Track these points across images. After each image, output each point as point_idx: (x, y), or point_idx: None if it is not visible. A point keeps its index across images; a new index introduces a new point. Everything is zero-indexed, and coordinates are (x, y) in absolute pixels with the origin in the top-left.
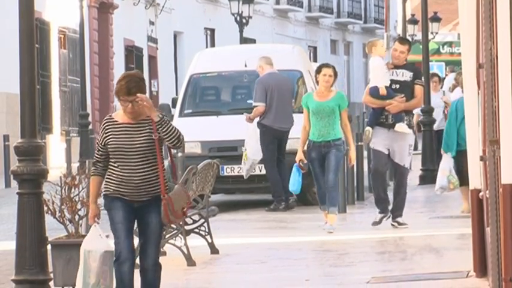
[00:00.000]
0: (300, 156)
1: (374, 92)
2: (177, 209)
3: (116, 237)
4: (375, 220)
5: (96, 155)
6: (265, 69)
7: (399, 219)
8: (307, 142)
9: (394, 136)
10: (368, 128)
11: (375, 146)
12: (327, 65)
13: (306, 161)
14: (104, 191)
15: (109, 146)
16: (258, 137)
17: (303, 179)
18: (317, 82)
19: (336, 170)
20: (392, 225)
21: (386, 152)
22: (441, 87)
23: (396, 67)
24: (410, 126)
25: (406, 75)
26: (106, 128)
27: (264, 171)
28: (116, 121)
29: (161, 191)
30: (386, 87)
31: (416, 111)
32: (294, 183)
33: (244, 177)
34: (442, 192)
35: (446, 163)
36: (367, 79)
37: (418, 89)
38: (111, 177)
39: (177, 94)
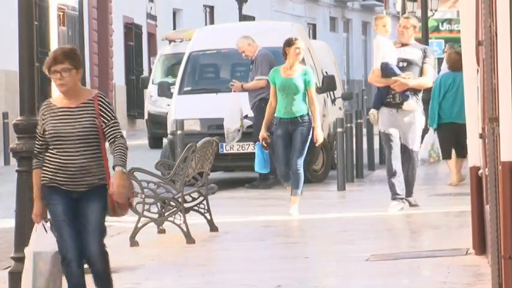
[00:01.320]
0: (263, 134)
1: (385, 69)
2: (124, 200)
3: (59, 235)
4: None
5: (36, 146)
6: (255, 46)
7: (410, 199)
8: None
9: (402, 117)
10: (372, 111)
11: (385, 129)
12: (297, 39)
13: (269, 140)
14: (41, 180)
15: (47, 133)
16: (236, 107)
17: (269, 157)
18: (285, 55)
19: (301, 151)
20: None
21: (398, 134)
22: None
23: (404, 45)
24: (418, 105)
25: (415, 54)
26: (44, 113)
27: None
28: (55, 105)
29: (107, 181)
30: (392, 65)
31: None
32: (260, 163)
33: (227, 146)
34: (423, 164)
35: (430, 137)
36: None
37: (428, 68)
38: (48, 165)
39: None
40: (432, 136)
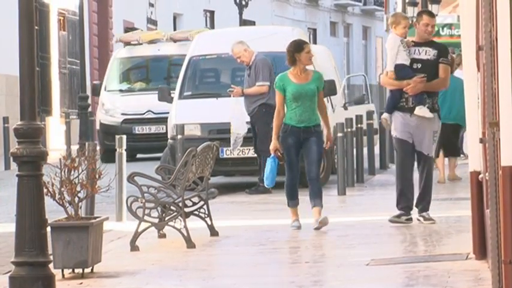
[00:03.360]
0: (275, 145)
1: (400, 71)
2: None
3: None
4: (394, 215)
5: None
6: (250, 51)
7: (425, 214)
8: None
9: (416, 122)
10: (385, 115)
11: (398, 134)
12: (306, 42)
13: (282, 150)
14: None
15: None
16: (242, 112)
17: (277, 171)
18: (293, 61)
19: (319, 161)
20: (418, 220)
21: (411, 141)
22: None
23: (418, 44)
24: (434, 109)
25: (429, 54)
26: None
27: None
28: None
29: None
30: (405, 65)
31: None
32: (269, 176)
33: (231, 151)
34: None
35: None
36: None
37: (443, 69)
38: None
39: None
40: None
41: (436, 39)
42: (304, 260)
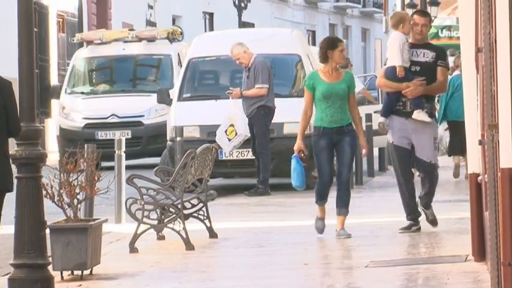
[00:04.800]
0: (300, 145)
1: (390, 74)
2: None
3: None
4: (403, 227)
5: None
6: (250, 53)
7: (428, 212)
8: (310, 129)
9: (414, 126)
10: (381, 120)
11: (394, 140)
12: (340, 40)
13: (306, 152)
14: None
15: None
16: (242, 113)
17: (305, 171)
18: (325, 58)
19: (351, 164)
20: (422, 211)
21: (409, 147)
22: None
23: (415, 46)
24: (431, 114)
25: (427, 56)
26: None
27: None
28: None
29: None
30: (405, 68)
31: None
32: (298, 177)
33: (227, 153)
34: None
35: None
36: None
37: (442, 71)
38: None
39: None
40: (440, 132)
41: (435, 42)
42: (304, 262)
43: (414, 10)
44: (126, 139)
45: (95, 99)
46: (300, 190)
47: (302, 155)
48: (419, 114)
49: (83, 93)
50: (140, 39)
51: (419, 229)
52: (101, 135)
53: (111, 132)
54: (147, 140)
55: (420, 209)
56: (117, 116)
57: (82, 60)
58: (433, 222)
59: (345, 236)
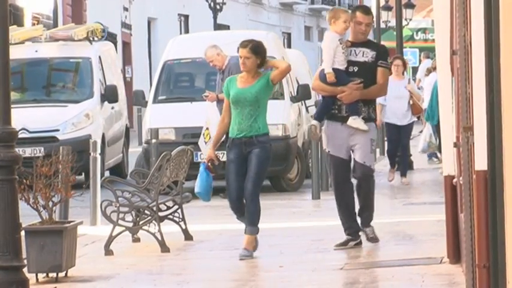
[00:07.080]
0: (211, 154)
1: (324, 77)
2: None
3: None
4: (339, 243)
5: None
6: (223, 55)
7: (368, 231)
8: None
9: (349, 131)
10: (314, 123)
11: (331, 150)
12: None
13: (217, 162)
14: None
15: None
16: (218, 116)
17: (211, 181)
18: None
19: (257, 179)
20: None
21: (347, 157)
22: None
23: (355, 45)
24: (371, 118)
25: (367, 55)
26: None
27: None
28: None
29: None
30: (339, 70)
31: (381, 101)
32: (201, 185)
33: (203, 155)
34: (425, 152)
35: (428, 131)
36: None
37: (382, 73)
38: None
39: (151, 80)
40: (430, 130)
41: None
42: (279, 264)
43: (356, 5)
44: (37, 157)
45: None
46: (205, 201)
47: (209, 164)
48: (354, 121)
49: None
50: (56, 40)
51: (359, 243)
52: None
53: (21, 150)
54: None
55: (361, 228)
56: (27, 131)
57: None
58: (373, 239)
59: (242, 256)
